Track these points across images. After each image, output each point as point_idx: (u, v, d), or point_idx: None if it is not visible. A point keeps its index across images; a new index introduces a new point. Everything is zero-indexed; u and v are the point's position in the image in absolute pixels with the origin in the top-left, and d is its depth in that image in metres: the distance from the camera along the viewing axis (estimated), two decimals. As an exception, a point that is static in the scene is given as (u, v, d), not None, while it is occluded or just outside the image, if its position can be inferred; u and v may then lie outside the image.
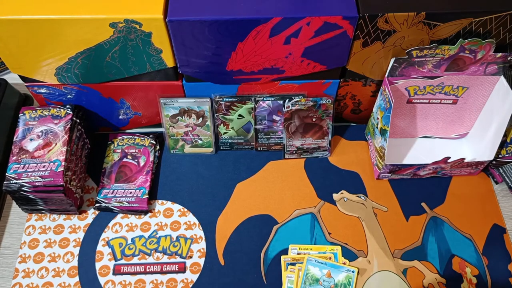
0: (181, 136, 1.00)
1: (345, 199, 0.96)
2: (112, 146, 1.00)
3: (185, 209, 0.95)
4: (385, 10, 0.76)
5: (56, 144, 0.88)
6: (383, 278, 0.87)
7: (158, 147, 1.01)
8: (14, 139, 0.89)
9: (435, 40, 0.82)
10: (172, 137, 1.00)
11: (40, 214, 0.94)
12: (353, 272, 0.87)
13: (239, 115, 0.97)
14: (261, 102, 0.95)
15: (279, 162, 1.01)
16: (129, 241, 0.91)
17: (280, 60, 0.85)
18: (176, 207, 0.95)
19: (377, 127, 0.94)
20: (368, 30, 0.79)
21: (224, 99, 0.94)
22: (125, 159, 0.98)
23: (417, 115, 0.99)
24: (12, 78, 1.04)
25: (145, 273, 0.87)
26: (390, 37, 0.81)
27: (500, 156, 0.93)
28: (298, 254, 0.89)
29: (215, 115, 0.97)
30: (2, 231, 0.93)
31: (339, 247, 0.90)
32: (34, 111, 0.92)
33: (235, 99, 0.95)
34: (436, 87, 0.92)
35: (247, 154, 1.02)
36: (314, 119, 0.96)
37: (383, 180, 0.99)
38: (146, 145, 0.99)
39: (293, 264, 0.88)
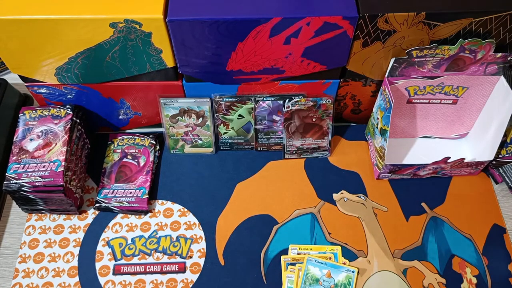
0: (181, 136, 1.00)
1: (345, 199, 0.96)
2: (112, 146, 1.00)
3: (185, 209, 0.95)
4: (385, 10, 0.76)
5: (56, 144, 0.88)
6: (383, 278, 0.87)
7: (158, 147, 1.01)
8: (14, 139, 0.89)
9: (435, 40, 0.82)
10: (172, 137, 1.00)
11: (40, 214, 0.94)
12: (353, 272, 0.87)
13: (239, 115, 0.97)
14: (261, 102, 0.95)
15: (279, 162, 1.01)
16: (129, 241, 0.91)
17: (280, 60, 0.85)
18: (176, 207, 0.95)
19: (377, 127, 0.94)
20: (368, 30, 0.79)
21: (224, 99, 0.94)
22: (125, 159, 0.98)
23: (417, 115, 0.99)
24: (12, 78, 1.04)
25: (145, 273, 0.87)
26: (390, 37, 0.81)
27: (500, 156, 0.93)
28: (298, 254, 0.89)
29: (215, 115, 0.97)
30: (2, 231, 0.93)
31: (339, 247, 0.90)
32: (34, 111, 0.92)
33: (235, 99, 0.95)
34: (436, 87, 0.92)
35: (247, 154, 1.02)
36: (314, 119, 0.96)
37: (383, 180, 0.99)
38: (146, 145, 0.99)
39: (293, 264, 0.88)
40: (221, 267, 0.88)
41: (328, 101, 0.94)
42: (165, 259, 0.89)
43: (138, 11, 0.75)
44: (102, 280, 0.87)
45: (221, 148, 1.03)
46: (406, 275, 0.87)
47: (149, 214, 0.94)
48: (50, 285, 0.86)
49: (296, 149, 1.00)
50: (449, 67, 0.87)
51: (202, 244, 0.91)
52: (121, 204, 0.93)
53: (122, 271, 0.88)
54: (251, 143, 1.02)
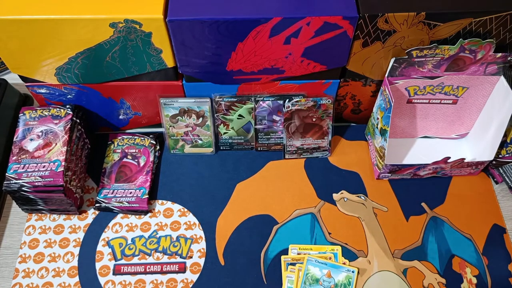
0: (181, 136, 1.00)
1: (345, 199, 0.96)
2: (112, 146, 1.00)
3: (185, 209, 0.95)
4: (385, 10, 0.76)
5: (56, 144, 0.88)
6: (383, 278, 0.87)
7: (158, 147, 1.01)
8: (14, 139, 0.89)
9: (435, 40, 0.82)
10: (172, 137, 1.00)
11: (40, 214, 0.94)
12: (353, 272, 0.87)
13: (239, 115, 0.97)
14: (261, 102, 0.95)
15: (279, 162, 1.01)
16: (129, 241, 0.91)
17: (280, 60, 0.85)
18: (176, 207, 0.95)
19: (377, 127, 0.94)
20: (368, 30, 0.79)
21: (224, 99, 0.94)
22: (125, 159, 0.98)
23: (417, 115, 0.99)
24: (12, 78, 1.04)
25: (145, 273, 0.87)
26: (390, 37, 0.81)
27: (500, 156, 0.93)
28: (298, 254, 0.89)
29: (215, 115, 0.97)
30: (2, 231, 0.93)
31: (339, 247, 0.90)
32: (34, 111, 0.92)
33: (235, 99, 0.95)
34: (436, 87, 0.92)
35: (247, 154, 1.02)
36: (314, 119, 0.96)
37: (383, 180, 0.99)
38: (146, 145, 0.99)
39: (293, 264, 0.88)
40: (221, 267, 0.88)
41: (328, 101, 0.94)
42: (165, 259, 0.89)
43: (138, 11, 0.75)
44: (102, 280, 0.87)
45: (221, 148, 1.03)
46: (406, 275, 0.87)
47: (149, 214, 0.94)
48: (50, 285, 0.86)
49: (296, 149, 1.00)
50: (449, 67, 0.87)
51: (202, 244, 0.91)
52: (121, 204, 0.93)
53: (122, 271, 0.88)
54: (251, 143, 1.02)
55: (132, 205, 0.92)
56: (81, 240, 0.91)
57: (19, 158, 0.87)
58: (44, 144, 0.88)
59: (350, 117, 1.06)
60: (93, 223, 0.93)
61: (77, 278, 0.87)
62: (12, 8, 0.76)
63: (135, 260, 0.89)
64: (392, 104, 0.85)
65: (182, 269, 0.88)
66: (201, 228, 0.93)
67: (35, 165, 0.86)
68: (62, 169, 0.85)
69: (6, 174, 0.85)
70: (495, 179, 0.99)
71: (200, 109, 0.96)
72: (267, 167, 1.01)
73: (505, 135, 0.89)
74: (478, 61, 0.85)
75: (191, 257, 0.89)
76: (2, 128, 0.99)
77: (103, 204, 0.93)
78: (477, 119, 0.98)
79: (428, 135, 1.03)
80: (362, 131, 1.06)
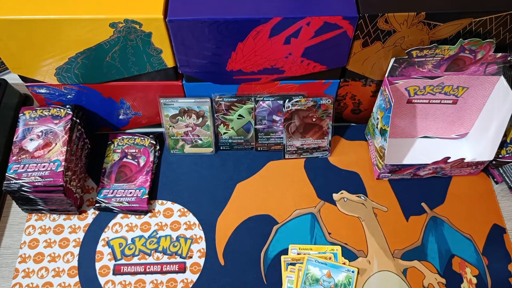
0: (181, 136, 1.00)
1: (345, 199, 0.96)
2: (112, 146, 1.00)
3: (185, 209, 0.95)
4: (385, 10, 0.76)
5: (56, 144, 0.88)
6: (383, 278, 0.87)
7: (158, 147, 1.01)
8: (14, 139, 0.89)
9: (435, 40, 0.82)
10: (172, 137, 1.00)
11: (40, 214, 0.94)
12: (353, 272, 0.87)
13: (239, 115, 0.97)
14: (261, 102, 0.95)
15: (279, 162, 1.01)
16: (129, 241, 0.91)
17: (280, 60, 0.85)
18: (176, 207, 0.95)
19: (377, 127, 0.94)
20: (368, 30, 0.79)
21: (224, 99, 0.94)
22: (125, 159, 0.98)
23: (417, 115, 0.99)
24: (12, 78, 1.04)
25: (145, 273, 0.87)
26: (390, 37, 0.81)
27: (500, 156, 0.93)
28: (298, 254, 0.89)
29: (215, 115, 0.97)
30: (2, 231, 0.93)
31: (339, 247, 0.90)
32: (34, 111, 0.92)
33: (235, 99, 0.95)
34: (436, 87, 0.92)
35: (247, 154, 1.02)
36: (314, 119, 0.96)
37: (383, 180, 0.99)
38: (146, 145, 0.99)
39: (293, 264, 0.88)
40: (221, 267, 0.88)
41: (328, 101, 0.94)
42: (165, 259, 0.89)
43: (138, 11, 0.75)
44: (102, 280, 0.87)
45: (221, 148, 1.03)
46: (406, 275, 0.87)
47: (149, 214, 0.94)
48: (50, 285, 0.86)
49: (296, 149, 1.00)
50: (449, 67, 0.87)
51: (202, 244, 0.91)
52: (121, 204, 0.93)
53: (122, 271, 0.88)
54: (251, 143, 1.02)
55: (132, 205, 0.92)
56: (81, 240, 0.91)
57: (19, 158, 0.87)
58: (44, 144, 0.88)
59: (350, 117, 1.06)
60: (93, 223, 0.93)
61: (77, 278, 0.87)
62: (12, 8, 0.76)
63: (135, 260, 0.89)
64: (392, 104, 0.85)
65: (182, 269, 0.88)
66: (201, 228, 0.93)
67: (35, 165, 0.86)
68: (62, 169, 0.85)
69: (6, 174, 0.85)
70: (495, 179, 0.99)
71: (200, 109, 0.96)
72: (267, 167, 1.01)
73: (505, 135, 0.89)
74: (478, 61, 0.85)
75: (191, 257, 0.89)
76: (2, 128, 0.99)
77: (103, 204, 0.93)
78: (477, 119, 0.98)
79: (428, 135, 1.03)
80: (362, 131, 1.06)
